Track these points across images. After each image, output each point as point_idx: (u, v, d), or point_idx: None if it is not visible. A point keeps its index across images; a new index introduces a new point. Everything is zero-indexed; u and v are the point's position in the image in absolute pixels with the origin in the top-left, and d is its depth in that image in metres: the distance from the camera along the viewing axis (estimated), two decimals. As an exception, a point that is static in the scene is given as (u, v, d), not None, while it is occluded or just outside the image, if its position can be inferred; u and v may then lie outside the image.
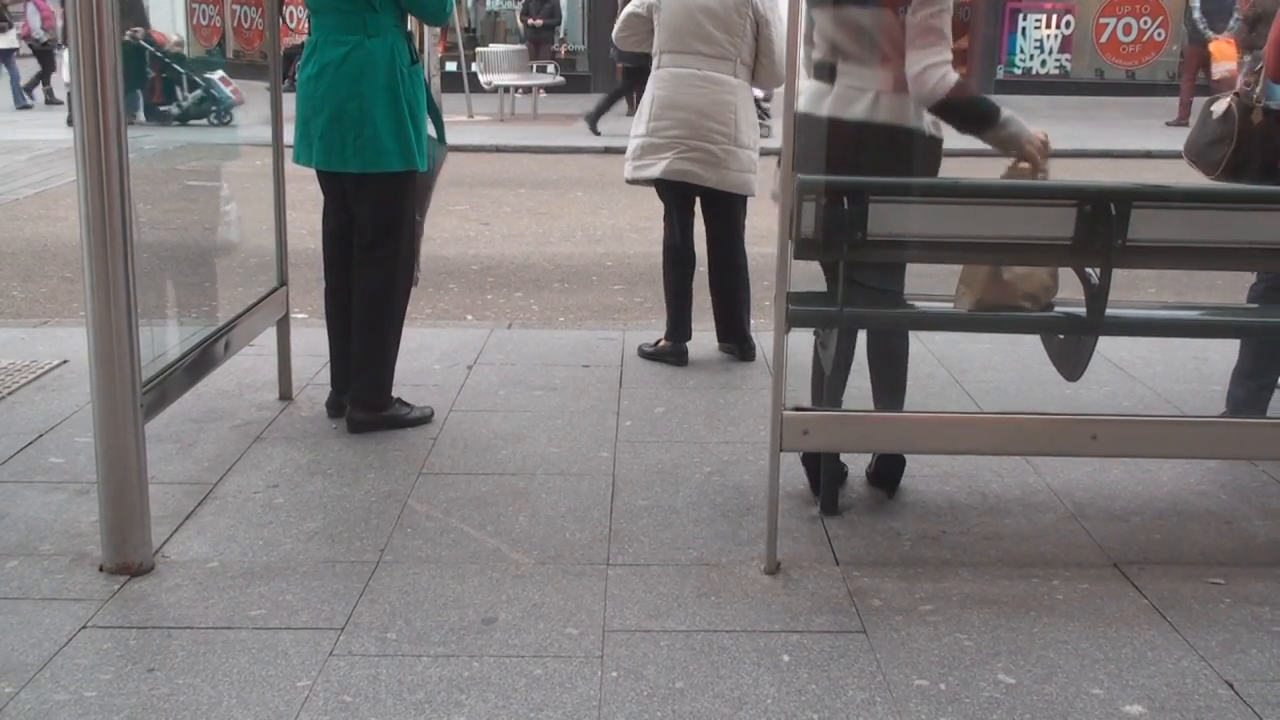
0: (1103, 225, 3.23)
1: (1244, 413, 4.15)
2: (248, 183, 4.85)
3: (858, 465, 4.00)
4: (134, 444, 3.21)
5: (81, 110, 3.01)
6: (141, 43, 15.90)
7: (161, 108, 15.99)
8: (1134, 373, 5.10)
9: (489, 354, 5.38)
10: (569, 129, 16.00)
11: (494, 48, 18.15)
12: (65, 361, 5.08)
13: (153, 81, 16.48)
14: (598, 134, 14.97)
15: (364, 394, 4.33)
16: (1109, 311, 3.36)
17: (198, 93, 16.05)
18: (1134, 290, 6.76)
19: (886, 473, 3.90)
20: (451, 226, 9.27)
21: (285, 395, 4.72)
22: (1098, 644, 2.99)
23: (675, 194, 5.21)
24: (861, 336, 3.86)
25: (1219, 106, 4.12)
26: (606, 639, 2.96)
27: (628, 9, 5.22)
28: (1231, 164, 4.05)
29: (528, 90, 17.67)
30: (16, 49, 17.80)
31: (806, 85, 3.61)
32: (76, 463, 4.01)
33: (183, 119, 15.87)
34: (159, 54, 16.38)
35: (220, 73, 16.86)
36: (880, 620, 3.08)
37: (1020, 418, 3.47)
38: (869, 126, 3.47)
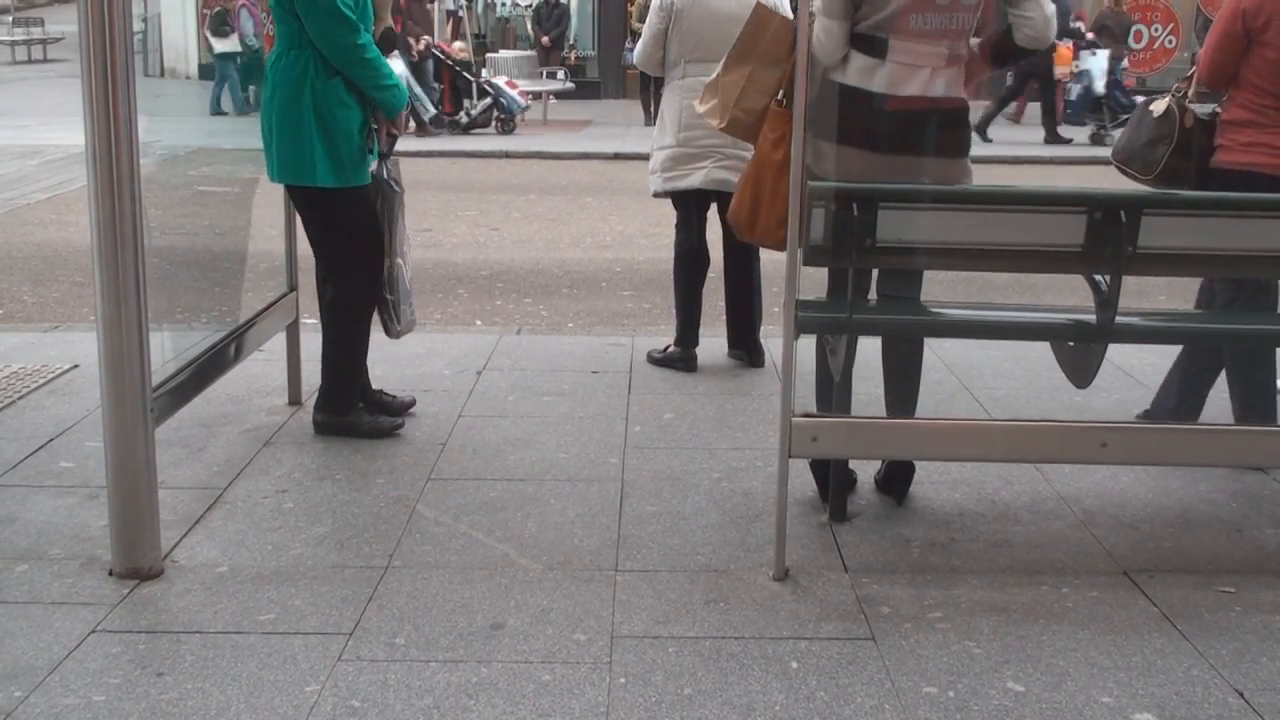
0: (1113, 232, 3.23)
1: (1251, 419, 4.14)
2: (259, 188, 4.86)
3: (867, 471, 4.00)
4: (144, 448, 3.22)
5: (92, 115, 3.02)
6: (434, 52, 16.16)
7: (450, 117, 16.17)
8: (1144, 380, 5.08)
9: (498, 359, 5.38)
10: (579, 134, 16.02)
11: (504, 53, 18.18)
12: (76, 366, 5.09)
13: (443, 91, 16.68)
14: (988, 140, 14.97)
15: (322, 397, 4.41)
16: (1119, 318, 3.36)
17: (486, 100, 16.27)
18: (1144, 297, 6.74)
19: (895, 479, 3.89)
20: (461, 232, 9.29)
21: (295, 400, 4.72)
22: (1107, 652, 2.98)
23: (699, 201, 5.21)
24: (877, 344, 3.87)
25: (1158, 106, 4.11)
26: (615, 645, 2.96)
27: (652, 31, 5.12)
28: (1171, 164, 4.04)
29: (538, 96, 17.69)
30: (240, 53, 17.61)
31: (853, 59, 3.57)
32: (86, 467, 4.02)
33: (469, 127, 16.07)
34: (450, 63, 16.59)
35: (505, 77, 16.96)
36: (889, 627, 3.08)
37: (1029, 425, 3.47)
38: (925, 101, 3.53)
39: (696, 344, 5.31)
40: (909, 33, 3.50)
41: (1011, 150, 14.14)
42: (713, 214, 5.29)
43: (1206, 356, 4.24)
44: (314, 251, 4.31)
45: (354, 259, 4.24)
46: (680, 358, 5.28)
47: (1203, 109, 4.06)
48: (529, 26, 20.36)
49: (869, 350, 3.85)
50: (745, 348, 5.36)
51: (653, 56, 5.18)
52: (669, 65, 5.13)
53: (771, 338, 5.51)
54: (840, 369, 3.61)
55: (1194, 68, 4.14)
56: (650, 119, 15.73)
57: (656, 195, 5.27)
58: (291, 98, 4.01)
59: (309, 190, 4.11)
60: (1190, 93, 4.07)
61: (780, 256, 3.32)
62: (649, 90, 17.04)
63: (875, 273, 3.76)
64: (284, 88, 4.02)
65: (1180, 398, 4.31)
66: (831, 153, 3.59)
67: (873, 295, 3.76)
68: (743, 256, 5.25)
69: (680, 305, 5.34)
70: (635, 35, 17.44)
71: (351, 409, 4.41)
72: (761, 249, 5.25)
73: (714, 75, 3.89)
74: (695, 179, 5.04)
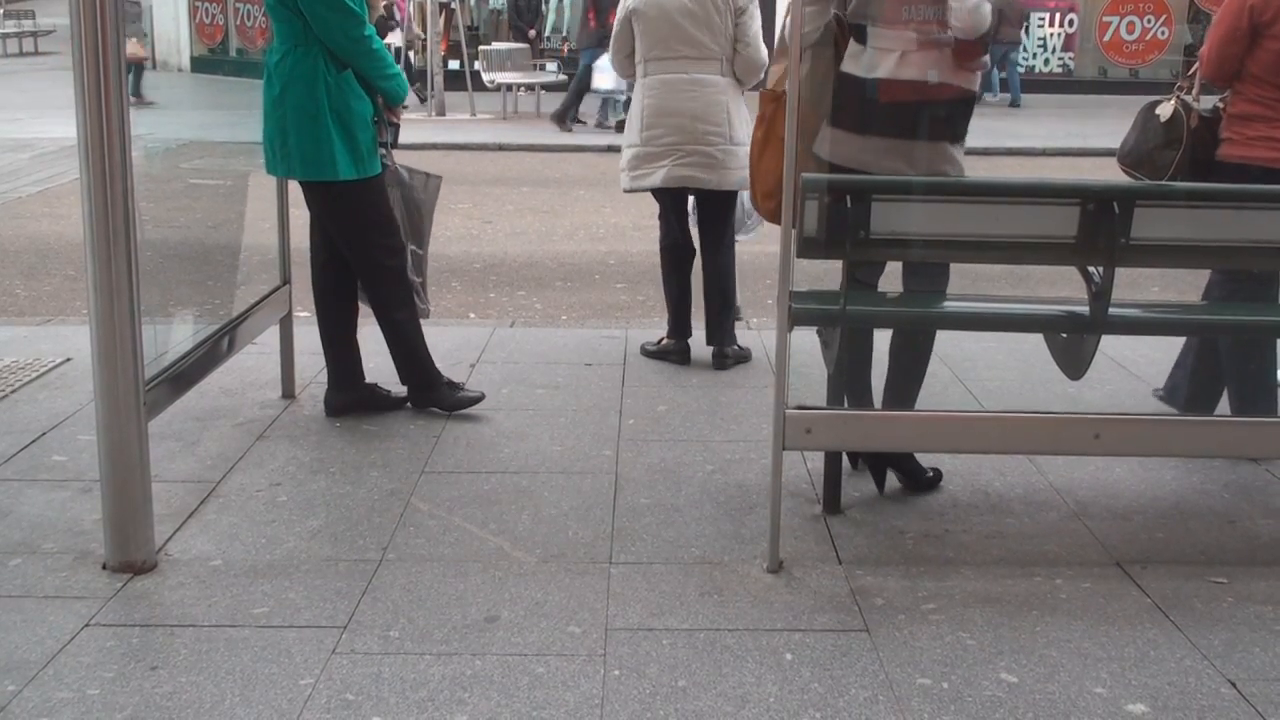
0: (1106, 224, 3.23)
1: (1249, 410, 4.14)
2: (252, 181, 4.85)
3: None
4: (137, 442, 3.22)
5: (83, 108, 3.01)
6: None
7: None
8: (1137, 371, 5.09)
9: (492, 352, 5.38)
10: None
11: (497, 46, 18.13)
12: (68, 359, 5.08)
13: None
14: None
15: (405, 377, 4.53)
16: (1112, 310, 3.36)
17: None
18: (1137, 289, 6.75)
19: (886, 460, 3.89)
20: (454, 224, 9.27)
21: (288, 393, 4.72)
22: (1100, 643, 2.99)
23: (672, 196, 5.20)
24: (885, 336, 3.92)
25: (1165, 110, 4.12)
26: (609, 637, 2.96)
27: (613, 32, 5.18)
28: (1181, 167, 4.05)
29: (530, 88, 17.67)
30: (401, 49, 17.66)
31: (851, 46, 3.67)
32: (80, 461, 4.01)
33: None
34: None
35: None
36: (883, 619, 3.08)
37: (1023, 416, 3.48)
38: (896, 84, 3.58)
39: (689, 335, 5.30)
40: (879, 19, 3.59)
41: (1005, 142, 14.15)
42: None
43: (1217, 355, 4.23)
44: (340, 245, 4.34)
45: (379, 244, 4.30)
46: (674, 350, 5.27)
47: (1204, 104, 4.08)
48: (509, 18, 20.36)
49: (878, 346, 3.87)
50: (714, 341, 5.25)
51: (615, 57, 5.21)
52: (636, 65, 5.12)
53: (766, 330, 5.51)
54: (834, 361, 3.62)
55: (1196, 65, 4.15)
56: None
57: (627, 192, 5.27)
58: (306, 94, 4.03)
59: (328, 185, 4.13)
60: (1195, 91, 4.08)
61: (773, 249, 3.32)
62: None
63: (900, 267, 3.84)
64: (296, 85, 4.03)
65: (1194, 390, 4.29)
66: (825, 135, 3.71)
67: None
68: (715, 254, 5.20)
69: (669, 297, 5.33)
70: None
71: (437, 382, 4.51)
72: (756, 244, 5.27)
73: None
74: (656, 178, 5.04)
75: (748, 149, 4.95)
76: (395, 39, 17.56)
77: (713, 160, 4.96)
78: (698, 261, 5.30)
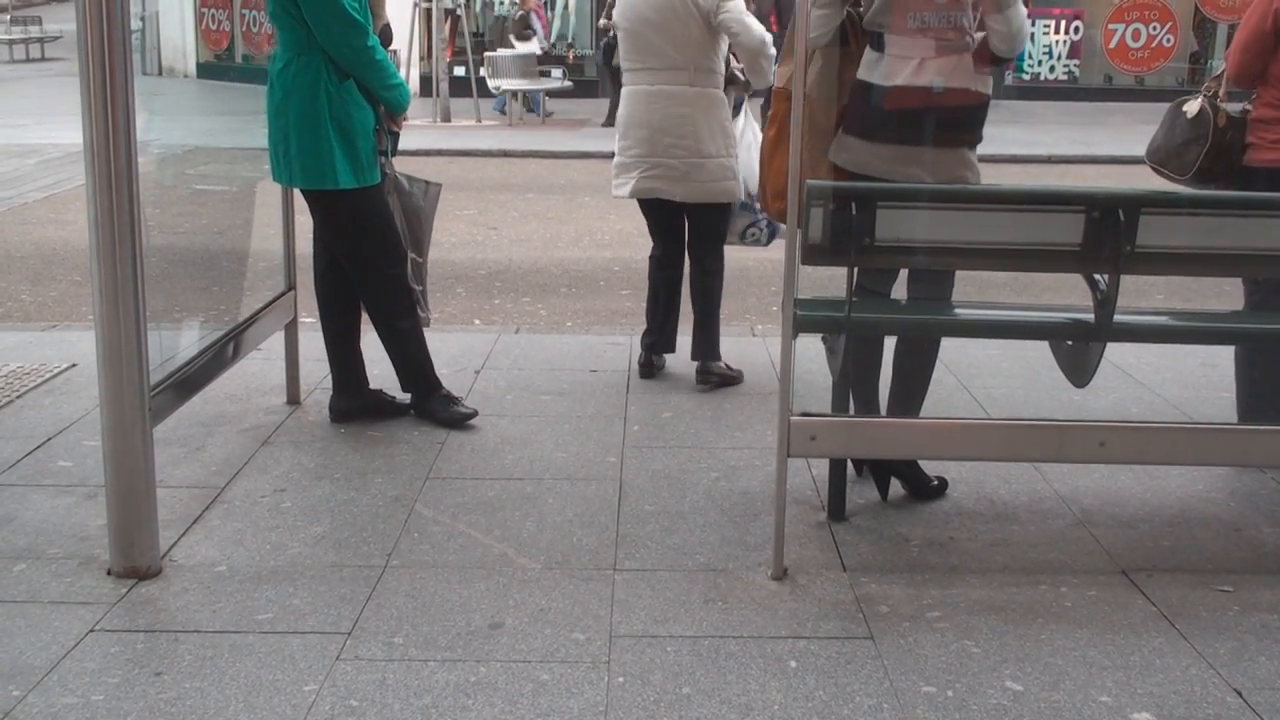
0: (1111, 231, 3.23)
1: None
2: (257, 187, 4.86)
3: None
4: (142, 447, 3.22)
5: (90, 114, 3.01)
6: None
7: None
8: (1142, 379, 5.08)
9: (496, 359, 5.38)
10: (577, 133, 16.00)
11: (502, 52, 18.16)
12: (74, 365, 5.09)
13: None
14: None
15: (408, 385, 4.54)
16: (1117, 317, 3.36)
17: None
18: (1142, 296, 6.75)
19: (888, 470, 3.89)
20: (459, 231, 9.28)
21: (293, 399, 4.72)
22: (1106, 651, 2.98)
23: (650, 208, 5.10)
24: (891, 343, 3.92)
25: (1191, 108, 4.12)
26: (613, 644, 2.96)
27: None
28: (1204, 166, 4.05)
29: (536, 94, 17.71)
30: (536, 55, 17.79)
31: (866, 54, 3.70)
32: (85, 466, 4.02)
33: None
34: None
35: None
36: (887, 627, 3.08)
37: (1028, 424, 3.47)
38: (912, 91, 3.60)
39: (655, 346, 5.15)
40: (898, 27, 3.59)
41: (1009, 149, 14.15)
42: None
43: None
44: (339, 254, 4.35)
45: (380, 253, 4.31)
46: (640, 360, 5.18)
47: (1233, 107, 4.07)
48: (512, 36, 20.42)
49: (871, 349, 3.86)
50: (695, 356, 5.05)
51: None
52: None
53: (771, 336, 5.50)
54: (839, 369, 3.62)
55: (1224, 67, 4.15)
56: (610, 119, 15.51)
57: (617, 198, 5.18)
58: (308, 103, 4.05)
59: (329, 193, 4.14)
60: (1221, 92, 4.08)
61: (777, 256, 3.32)
62: (619, 90, 16.95)
63: (905, 274, 3.85)
64: (298, 94, 4.05)
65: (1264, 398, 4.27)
66: (844, 143, 3.75)
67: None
68: (699, 267, 5.06)
69: (648, 304, 5.23)
70: (603, 32, 17.56)
71: (435, 392, 4.52)
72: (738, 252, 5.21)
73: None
74: (627, 189, 4.99)
75: (721, 161, 4.84)
76: (533, 47, 17.67)
77: (675, 172, 4.83)
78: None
